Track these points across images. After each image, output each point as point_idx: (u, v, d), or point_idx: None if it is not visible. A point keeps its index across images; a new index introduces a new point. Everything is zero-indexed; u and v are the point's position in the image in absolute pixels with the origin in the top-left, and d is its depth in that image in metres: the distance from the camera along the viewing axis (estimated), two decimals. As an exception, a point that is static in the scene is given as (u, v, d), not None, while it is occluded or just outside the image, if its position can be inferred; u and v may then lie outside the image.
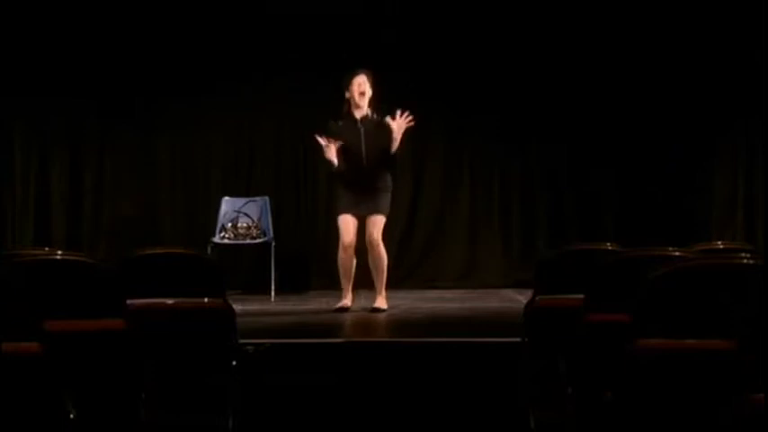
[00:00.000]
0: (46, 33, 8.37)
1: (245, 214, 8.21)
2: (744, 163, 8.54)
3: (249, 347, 4.95)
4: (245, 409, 4.28)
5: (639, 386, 2.86)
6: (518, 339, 4.42)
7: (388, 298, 6.96)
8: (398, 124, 6.75)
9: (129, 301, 3.72)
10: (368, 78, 6.91)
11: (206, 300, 4.19)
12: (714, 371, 2.78)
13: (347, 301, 6.95)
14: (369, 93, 6.90)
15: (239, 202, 8.30)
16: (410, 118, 6.76)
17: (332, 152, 6.79)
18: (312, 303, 7.46)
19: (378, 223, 6.84)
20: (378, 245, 6.82)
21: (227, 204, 8.29)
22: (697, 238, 7.42)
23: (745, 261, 2.98)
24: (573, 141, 8.64)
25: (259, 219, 8.20)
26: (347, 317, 6.75)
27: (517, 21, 8.56)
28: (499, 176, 8.80)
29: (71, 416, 2.75)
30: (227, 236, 8.10)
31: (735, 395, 2.51)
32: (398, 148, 6.82)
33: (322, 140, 6.82)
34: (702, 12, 8.31)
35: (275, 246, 7.96)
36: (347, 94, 6.92)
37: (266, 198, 8.32)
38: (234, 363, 4.13)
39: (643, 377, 2.85)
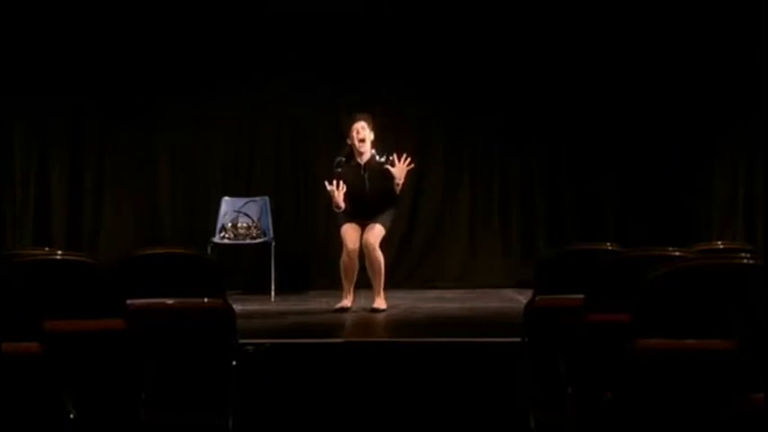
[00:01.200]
0: (46, 33, 8.37)
1: (245, 214, 8.21)
2: (744, 163, 8.54)
3: (249, 347, 4.95)
4: (245, 409, 4.28)
5: (639, 386, 2.86)
6: (518, 339, 4.42)
7: (386, 298, 6.97)
8: (399, 169, 6.80)
9: (129, 301, 3.72)
10: (367, 123, 6.92)
11: (206, 300, 4.19)
12: (714, 371, 2.78)
13: (347, 301, 6.97)
14: (369, 137, 6.92)
15: (239, 202, 8.30)
16: (409, 160, 6.81)
17: (340, 198, 6.82)
18: (312, 303, 7.46)
19: (376, 231, 6.87)
20: (374, 249, 6.84)
21: (227, 204, 8.28)
22: (697, 238, 7.42)
23: (745, 261, 2.98)
24: (573, 141, 8.64)
25: (259, 219, 8.20)
26: (347, 317, 6.75)
27: (517, 21, 8.56)
28: (499, 176, 8.80)
29: (71, 416, 2.75)
30: (227, 236, 8.10)
31: (735, 395, 2.51)
32: (401, 189, 6.92)
33: (330, 187, 6.84)
34: (702, 12, 8.30)
35: (275, 246, 7.96)
36: (348, 141, 6.94)
37: (266, 198, 8.32)
38: (234, 363, 4.13)
39: (643, 377, 2.85)
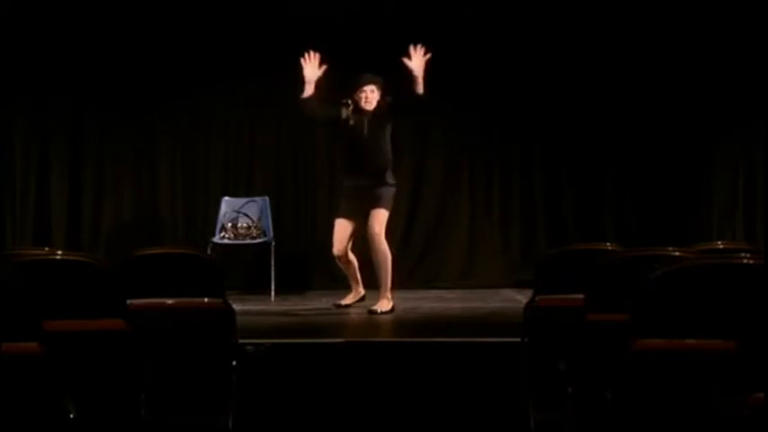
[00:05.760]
0: (46, 33, 8.37)
1: (245, 214, 8.20)
2: (744, 163, 8.53)
3: (249, 347, 4.95)
4: (245, 409, 4.28)
5: (639, 386, 2.86)
6: (518, 339, 4.42)
7: (392, 299, 6.83)
8: (416, 63, 6.54)
9: (129, 301, 3.72)
10: (377, 86, 6.77)
11: (206, 300, 4.20)
12: (714, 371, 2.78)
13: (345, 299, 7.02)
14: (374, 103, 6.78)
15: (239, 202, 8.30)
16: (424, 50, 6.55)
17: (312, 72, 6.70)
18: (312, 303, 7.46)
19: (378, 216, 6.72)
20: (378, 238, 6.69)
21: (227, 204, 8.28)
22: (697, 238, 7.43)
23: (745, 261, 2.98)
24: (573, 141, 8.64)
25: (259, 219, 8.20)
26: (347, 317, 6.75)
27: (518, 22, 8.56)
28: (499, 176, 8.79)
29: (71, 416, 2.75)
30: (227, 236, 8.10)
31: (735, 395, 2.51)
32: (424, 86, 6.57)
33: (308, 60, 6.70)
34: (702, 11, 8.29)
35: (275, 246, 7.96)
36: (355, 95, 6.81)
37: (266, 198, 8.32)
38: (234, 363, 4.13)
39: (643, 377, 2.85)
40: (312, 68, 6.78)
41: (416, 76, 6.58)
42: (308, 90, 6.80)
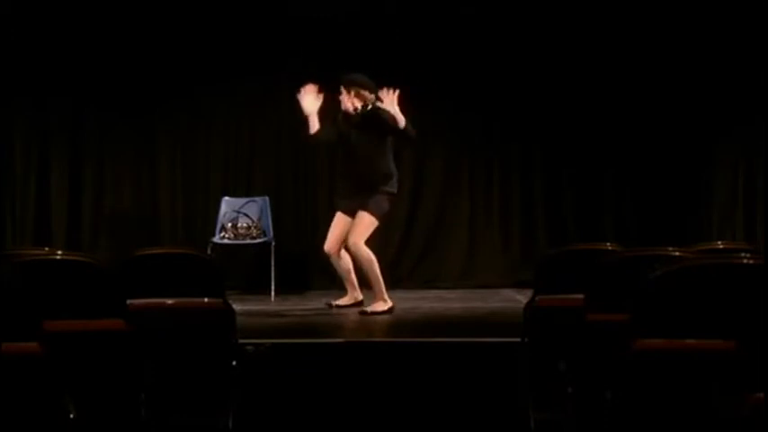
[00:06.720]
0: (46, 33, 8.37)
1: (245, 214, 8.20)
2: (744, 163, 8.53)
3: (249, 347, 4.95)
4: (245, 409, 4.28)
5: (639, 386, 2.86)
6: (518, 339, 4.42)
7: (384, 300, 6.78)
8: (387, 103, 6.57)
9: (129, 301, 3.72)
10: (346, 90, 6.76)
11: (205, 300, 4.20)
12: (714, 371, 2.78)
13: (340, 299, 7.01)
14: (352, 106, 6.75)
15: (239, 202, 8.30)
16: (393, 89, 6.57)
17: (311, 104, 6.70)
18: (312, 303, 7.45)
19: (358, 224, 6.69)
20: (354, 248, 6.67)
21: (227, 204, 8.28)
22: (697, 238, 7.42)
23: (745, 261, 2.98)
24: (573, 141, 8.64)
25: (259, 219, 8.20)
26: (347, 317, 6.74)
27: (518, 22, 8.56)
28: (499, 176, 8.79)
29: (71, 416, 2.76)
30: (227, 236, 8.10)
31: (735, 395, 2.51)
32: (403, 119, 6.58)
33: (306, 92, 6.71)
34: (702, 11, 8.29)
35: (275, 246, 7.96)
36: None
37: (266, 198, 8.32)
38: (234, 363, 4.13)
39: (643, 377, 2.85)
40: (310, 101, 6.75)
41: (393, 114, 6.57)
42: (314, 124, 6.76)
